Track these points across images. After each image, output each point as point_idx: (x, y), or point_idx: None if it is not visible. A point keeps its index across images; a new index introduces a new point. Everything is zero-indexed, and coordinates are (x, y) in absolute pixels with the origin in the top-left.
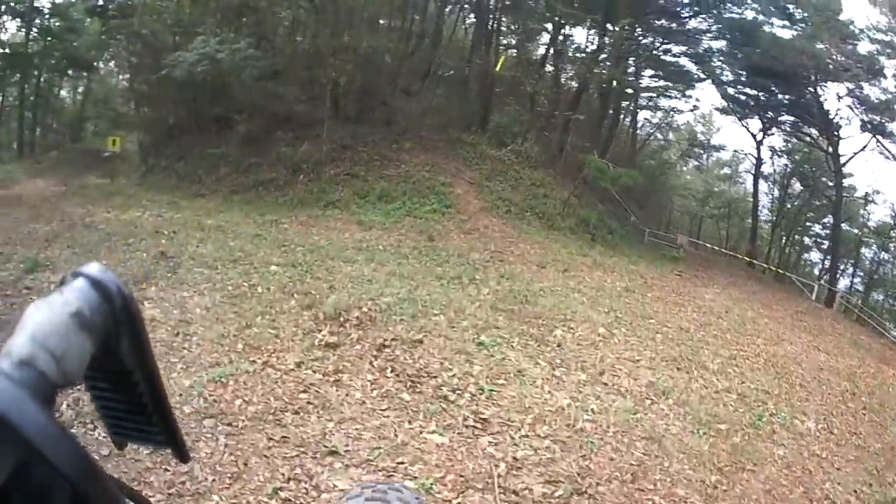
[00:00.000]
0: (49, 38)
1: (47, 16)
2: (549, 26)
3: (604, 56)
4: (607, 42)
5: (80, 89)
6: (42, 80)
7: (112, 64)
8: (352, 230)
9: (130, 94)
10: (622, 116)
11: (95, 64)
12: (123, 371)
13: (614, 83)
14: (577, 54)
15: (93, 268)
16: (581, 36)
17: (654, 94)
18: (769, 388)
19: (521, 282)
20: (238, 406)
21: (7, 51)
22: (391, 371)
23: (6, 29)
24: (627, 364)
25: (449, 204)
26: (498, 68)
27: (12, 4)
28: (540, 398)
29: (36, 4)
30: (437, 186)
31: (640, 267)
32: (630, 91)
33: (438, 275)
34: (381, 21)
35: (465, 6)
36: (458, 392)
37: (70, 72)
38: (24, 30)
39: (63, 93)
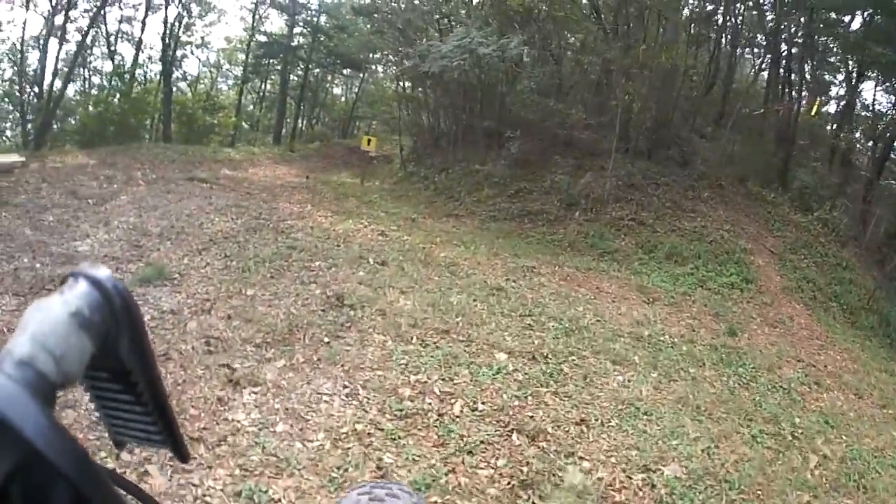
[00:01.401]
0: (318, 35)
1: (314, 12)
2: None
3: None
4: None
5: (355, 89)
6: (312, 74)
7: (380, 68)
8: (630, 300)
9: (395, 97)
10: None
11: (366, 65)
12: (123, 371)
13: None
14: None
15: (92, 268)
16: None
17: None
18: None
19: (850, 437)
20: None
21: (265, 38)
22: None
23: (269, 19)
24: None
25: (749, 278)
26: (813, 112)
27: None
28: None
29: (302, 0)
30: (737, 252)
31: None
32: None
33: (747, 413)
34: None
35: (759, 48)
36: None
37: (346, 71)
38: (287, 23)
39: (337, 90)
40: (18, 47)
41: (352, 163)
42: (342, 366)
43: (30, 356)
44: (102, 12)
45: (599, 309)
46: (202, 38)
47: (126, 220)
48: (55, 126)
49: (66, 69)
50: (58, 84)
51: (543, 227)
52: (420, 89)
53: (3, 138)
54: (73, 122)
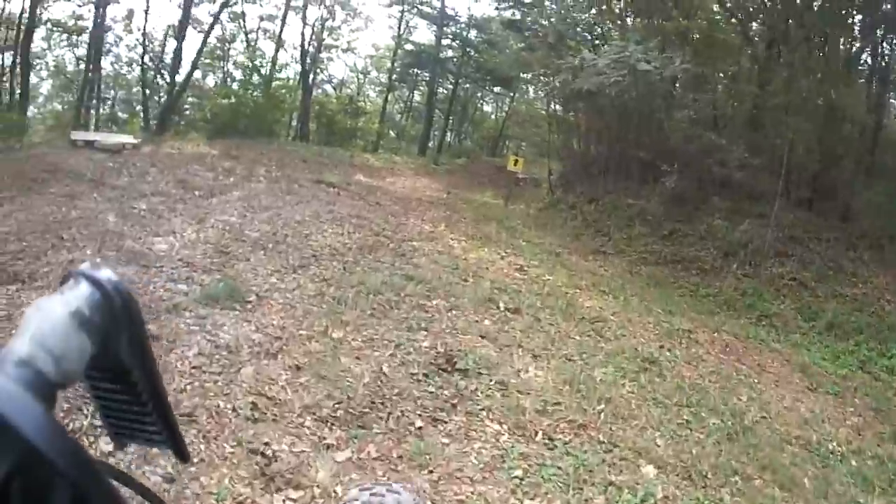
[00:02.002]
0: (467, 49)
1: (462, 25)
2: None
3: None
4: None
5: (506, 107)
6: (462, 88)
7: (531, 88)
8: (793, 384)
9: (546, 118)
10: None
11: (516, 83)
12: (123, 370)
13: None
14: None
15: (92, 267)
16: None
17: None
18: None
19: None
20: None
21: (411, 48)
22: None
23: (417, 29)
24: None
25: None
26: None
27: (421, 7)
28: None
29: (449, 12)
30: None
31: None
32: None
33: None
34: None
35: None
36: None
37: (497, 89)
38: (435, 34)
39: (487, 107)
40: (156, 35)
41: (497, 182)
42: (430, 471)
43: (30, 356)
44: (241, 10)
45: (764, 397)
46: (348, 42)
47: (226, 220)
48: (187, 112)
49: (201, 60)
50: (196, 75)
51: (697, 277)
52: (571, 112)
53: (128, 120)
54: (207, 114)
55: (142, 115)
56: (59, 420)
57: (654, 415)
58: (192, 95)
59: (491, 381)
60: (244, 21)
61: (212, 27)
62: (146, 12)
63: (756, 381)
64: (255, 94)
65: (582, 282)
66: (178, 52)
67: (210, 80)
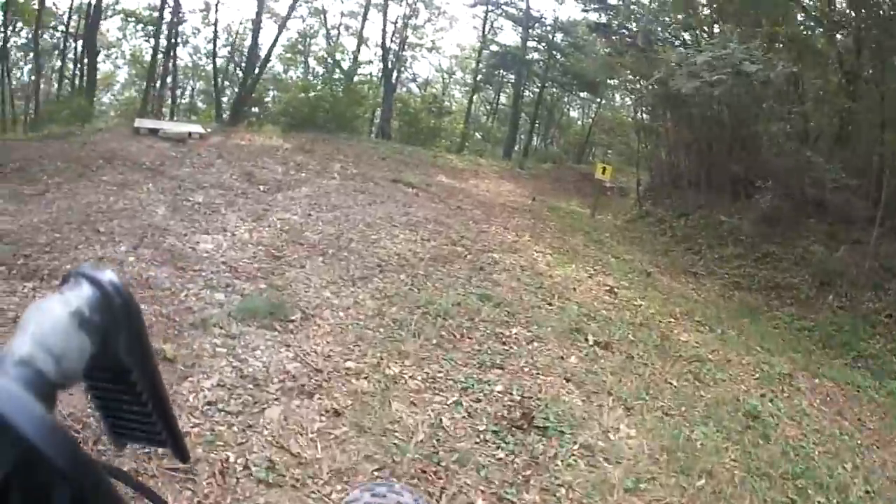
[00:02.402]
0: (553, 52)
1: (548, 28)
2: None
3: None
4: None
5: (591, 113)
6: (548, 92)
7: (617, 95)
8: (892, 443)
9: (634, 125)
10: None
11: (603, 89)
12: (123, 370)
13: None
14: None
15: (92, 267)
16: None
17: None
18: None
19: None
20: None
21: (496, 49)
22: None
23: (502, 30)
24: None
25: None
26: None
27: (506, 8)
28: None
29: (535, 13)
30: None
31: None
32: None
33: None
34: None
35: None
36: None
37: (583, 94)
38: (521, 36)
39: (573, 112)
40: (234, 27)
41: (583, 190)
42: None
43: (29, 355)
44: (322, 6)
45: (867, 464)
46: (433, 41)
47: (286, 219)
48: (264, 105)
49: (279, 53)
50: (278, 69)
51: (792, 307)
52: (660, 123)
53: (205, 111)
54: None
55: (215, 105)
56: (59, 420)
57: (760, 491)
58: (271, 88)
59: (574, 443)
60: (325, 17)
61: (286, 18)
62: (217, 3)
63: (858, 441)
64: (335, 88)
65: (676, 308)
66: (253, 44)
67: (292, 75)
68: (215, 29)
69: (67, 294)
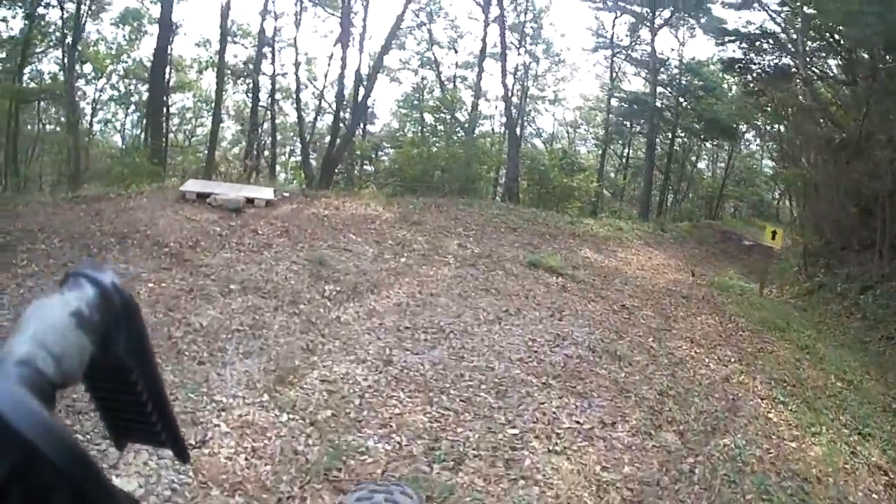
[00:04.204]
0: (683, 96)
1: (675, 71)
2: None
3: None
4: None
5: (721, 163)
6: (678, 142)
7: (754, 140)
8: None
9: (792, 174)
10: None
11: (737, 135)
12: (123, 370)
13: None
14: None
15: (92, 267)
16: None
17: None
18: None
19: None
20: None
21: (625, 96)
22: None
23: (626, 76)
24: None
25: None
26: None
27: (630, 52)
28: None
29: (660, 56)
30: None
31: None
32: None
33: None
34: None
35: None
36: None
37: (710, 143)
38: (648, 81)
39: (701, 164)
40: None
41: (730, 253)
42: None
43: (30, 355)
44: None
45: None
46: (555, 93)
47: (345, 373)
48: (367, 167)
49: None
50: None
51: None
52: (819, 171)
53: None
54: (393, 165)
55: (302, 165)
56: (59, 420)
57: None
58: (387, 146)
59: None
60: (439, 68)
61: (376, 70)
62: (296, 60)
63: None
64: (452, 143)
65: None
66: (338, 96)
67: (409, 132)
68: (297, 77)
69: (67, 294)
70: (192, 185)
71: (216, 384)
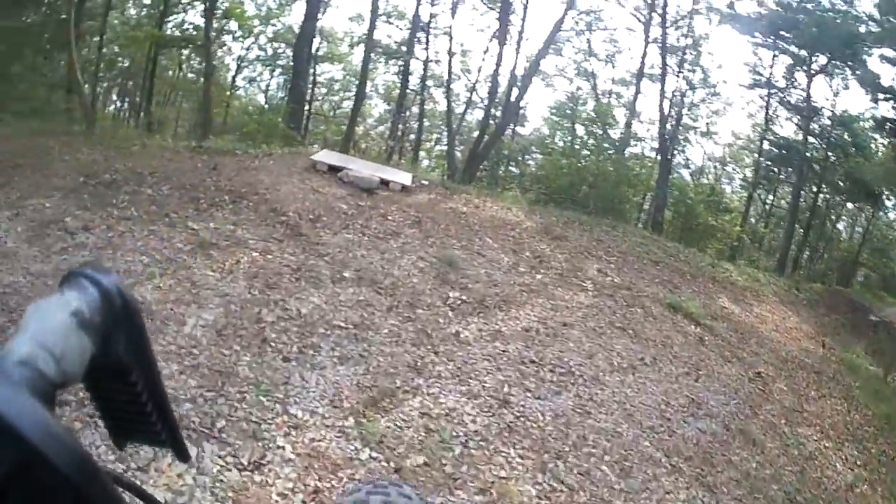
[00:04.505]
0: (833, 150)
1: (828, 122)
2: None
3: None
4: None
5: (860, 227)
6: (822, 196)
7: None
8: None
9: None
10: None
11: (880, 201)
12: (123, 370)
13: None
14: None
15: (92, 268)
16: None
17: None
18: None
19: None
20: None
21: (776, 140)
22: None
23: (778, 120)
24: None
25: None
26: None
27: (785, 95)
28: None
29: (815, 104)
30: None
31: None
32: None
33: None
34: None
35: None
36: None
37: (852, 203)
38: (801, 128)
39: (840, 225)
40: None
41: (858, 326)
42: None
43: (30, 356)
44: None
45: None
46: (707, 125)
47: (479, 382)
48: (512, 168)
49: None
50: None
51: None
52: None
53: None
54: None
55: (446, 156)
56: (59, 420)
57: None
58: (534, 151)
59: None
60: (595, 81)
61: (527, 74)
62: (450, 49)
63: None
64: (603, 160)
65: None
66: (491, 92)
67: (558, 141)
68: (450, 60)
69: (68, 294)
70: (326, 157)
71: (296, 391)
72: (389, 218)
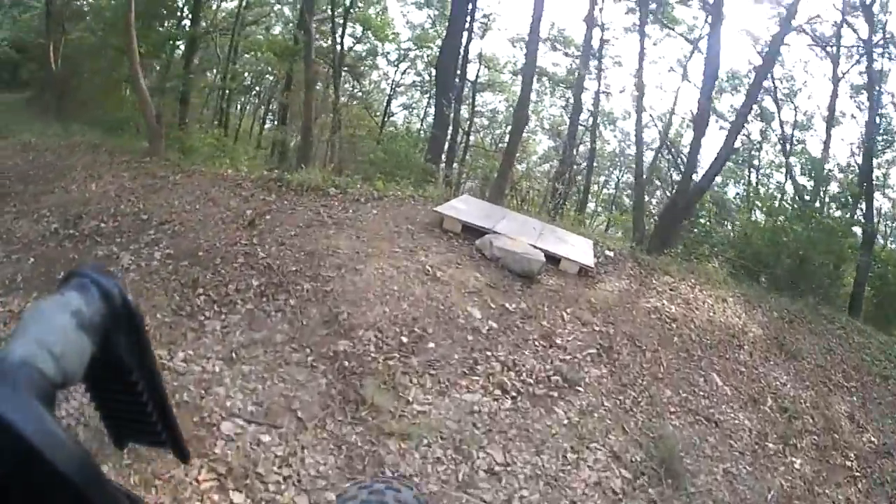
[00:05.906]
0: None
1: None
2: None
3: None
4: None
5: None
6: None
7: None
8: None
9: None
10: None
11: None
12: (123, 370)
13: None
14: None
15: (92, 268)
16: None
17: None
18: None
19: None
20: None
21: None
22: None
23: None
24: None
25: None
26: None
27: None
28: None
29: None
30: None
31: None
32: None
33: None
34: None
35: None
36: None
37: None
38: None
39: None
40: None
41: None
42: None
43: (30, 356)
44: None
45: None
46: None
47: None
48: (694, 231)
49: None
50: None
51: None
52: None
53: (625, 204)
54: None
55: (633, 215)
56: (59, 420)
57: None
58: (705, 207)
59: None
60: (769, 123)
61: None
62: (638, 83)
63: None
64: (809, 226)
65: None
66: (694, 144)
67: (731, 193)
68: (640, 98)
69: (68, 295)
70: (460, 208)
71: None
72: (558, 342)
